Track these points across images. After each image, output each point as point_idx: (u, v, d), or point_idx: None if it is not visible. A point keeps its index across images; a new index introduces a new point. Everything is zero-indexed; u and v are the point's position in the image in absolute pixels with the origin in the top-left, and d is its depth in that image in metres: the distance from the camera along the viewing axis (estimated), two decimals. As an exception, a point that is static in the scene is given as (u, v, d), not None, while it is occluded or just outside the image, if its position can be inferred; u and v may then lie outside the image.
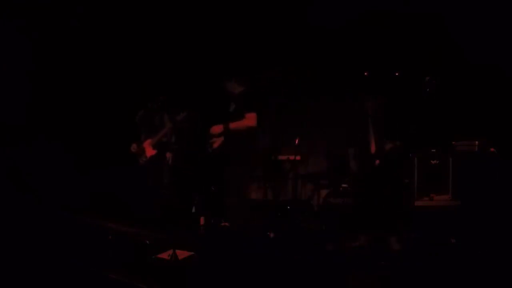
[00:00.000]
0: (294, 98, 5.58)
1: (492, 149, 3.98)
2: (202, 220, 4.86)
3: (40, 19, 4.87)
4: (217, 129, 3.92)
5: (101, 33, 5.22)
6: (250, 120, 3.83)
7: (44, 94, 4.98)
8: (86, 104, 5.25)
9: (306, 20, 5.09)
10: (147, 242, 3.28)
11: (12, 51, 4.70)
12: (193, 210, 5.16)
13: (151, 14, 5.22)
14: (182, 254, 2.99)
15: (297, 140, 4.99)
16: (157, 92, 4.67)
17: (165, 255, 2.95)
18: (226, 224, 4.78)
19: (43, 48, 4.94)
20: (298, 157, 5.24)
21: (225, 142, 3.97)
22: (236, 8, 5.18)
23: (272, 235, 4.19)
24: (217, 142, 4.00)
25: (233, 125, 3.87)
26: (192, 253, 3.06)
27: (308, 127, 5.30)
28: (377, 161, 4.04)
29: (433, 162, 4.40)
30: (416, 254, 3.40)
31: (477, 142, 4.08)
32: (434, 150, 4.21)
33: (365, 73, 6.17)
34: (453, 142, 4.25)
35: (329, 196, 4.73)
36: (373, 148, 4.07)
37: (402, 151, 4.11)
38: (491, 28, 4.41)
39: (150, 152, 4.47)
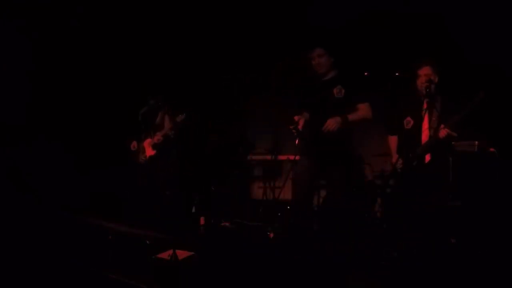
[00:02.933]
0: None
1: (492, 149, 3.98)
2: (202, 220, 4.86)
3: (40, 19, 4.87)
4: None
5: (101, 33, 5.22)
6: None
7: (44, 94, 4.98)
8: (86, 104, 5.25)
9: (306, 20, 5.09)
10: (147, 242, 3.28)
11: (12, 51, 4.69)
12: (193, 210, 5.17)
13: (152, 14, 5.21)
14: (182, 254, 2.99)
15: (297, 140, 4.98)
16: (157, 92, 4.67)
17: (165, 255, 2.95)
18: (227, 224, 4.78)
19: (43, 48, 4.94)
20: (298, 157, 5.23)
21: None
22: (236, 8, 5.18)
23: (272, 235, 4.19)
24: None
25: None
26: (192, 253, 3.06)
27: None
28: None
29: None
30: (416, 254, 3.40)
31: (477, 142, 4.08)
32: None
33: (365, 73, 6.17)
34: (453, 142, 4.25)
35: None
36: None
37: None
38: (491, 28, 4.41)
39: (149, 151, 4.46)
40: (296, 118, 3.32)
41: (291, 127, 3.27)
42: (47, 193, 4.51)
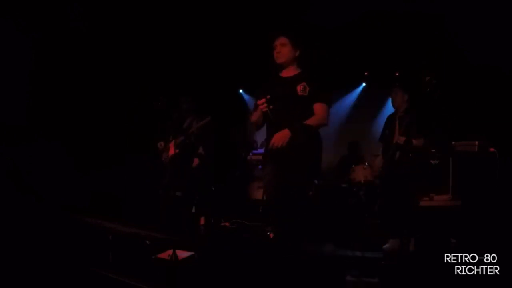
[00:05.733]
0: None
1: (492, 149, 3.98)
2: (202, 220, 4.87)
3: (40, 19, 4.87)
4: None
5: (101, 33, 5.22)
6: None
7: (44, 94, 4.98)
8: (86, 104, 5.25)
9: (306, 20, 5.09)
10: (147, 242, 3.28)
11: (12, 51, 4.69)
12: (193, 210, 5.16)
13: (143, 15, 5.20)
14: (182, 254, 2.99)
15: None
16: (159, 92, 4.72)
17: (165, 255, 2.95)
18: (227, 224, 4.79)
19: (43, 48, 4.94)
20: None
21: None
22: (237, 8, 5.17)
23: (272, 235, 4.19)
24: None
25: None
26: (192, 253, 3.06)
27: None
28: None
29: (433, 162, 4.41)
30: (416, 254, 3.40)
31: (477, 142, 4.08)
32: (434, 150, 4.22)
33: (365, 73, 6.17)
34: (453, 142, 4.26)
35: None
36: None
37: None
38: (491, 28, 4.41)
39: (172, 151, 4.60)
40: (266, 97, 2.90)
41: (261, 102, 2.84)
42: (47, 193, 4.51)
